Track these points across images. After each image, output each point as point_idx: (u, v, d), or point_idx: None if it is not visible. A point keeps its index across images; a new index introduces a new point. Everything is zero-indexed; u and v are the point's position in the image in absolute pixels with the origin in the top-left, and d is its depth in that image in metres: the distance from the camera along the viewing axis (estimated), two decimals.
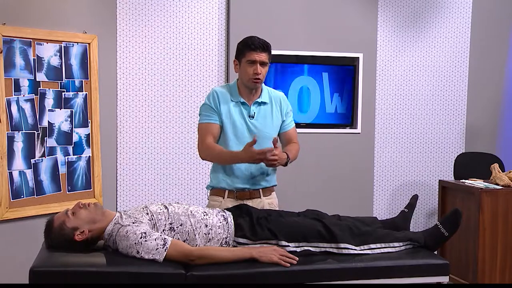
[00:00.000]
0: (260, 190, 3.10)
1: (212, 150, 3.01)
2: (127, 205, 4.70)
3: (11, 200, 3.90)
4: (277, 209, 3.12)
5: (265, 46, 3.02)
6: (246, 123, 3.06)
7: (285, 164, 3.00)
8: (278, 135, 3.17)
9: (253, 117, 3.06)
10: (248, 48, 3.01)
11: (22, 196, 3.98)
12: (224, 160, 3.02)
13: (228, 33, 4.83)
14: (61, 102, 4.22)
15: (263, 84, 3.14)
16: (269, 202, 3.13)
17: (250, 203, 3.01)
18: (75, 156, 4.31)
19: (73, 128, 4.29)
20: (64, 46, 4.21)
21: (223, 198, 3.07)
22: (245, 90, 3.08)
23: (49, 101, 4.14)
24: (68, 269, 2.40)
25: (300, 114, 5.02)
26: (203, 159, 3.12)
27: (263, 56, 3.00)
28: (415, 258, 2.71)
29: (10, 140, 3.90)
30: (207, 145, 3.02)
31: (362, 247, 2.71)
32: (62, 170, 4.23)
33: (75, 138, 4.30)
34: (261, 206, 3.05)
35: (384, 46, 5.24)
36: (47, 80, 4.12)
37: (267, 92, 3.14)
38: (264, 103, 3.10)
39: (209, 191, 3.18)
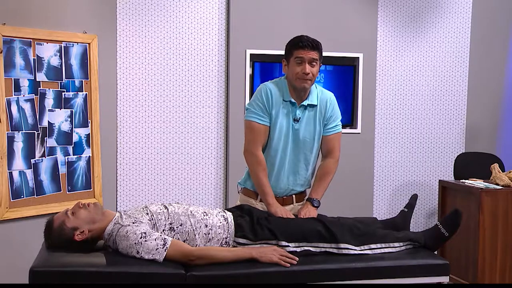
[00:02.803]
0: (294, 196, 3.04)
1: (255, 172, 2.90)
2: (127, 205, 4.70)
3: (11, 200, 3.90)
4: None
5: (314, 44, 2.88)
6: (290, 127, 2.93)
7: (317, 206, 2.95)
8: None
9: (297, 120, 2.93)
10: (296, 46, 2.87)
11: (22, 196, 3.98)
12: (257, 188, 2.93)
13: (228, 33, 4.83)
14: (61, 102, 4.22)
15: (315, 84, 2.97)
16: (301, 208, 3.03)
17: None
18: (75, 156, 4.31)
19: (73, 128, 4.29)
20: (64, 46, 4.21)
21: (255, 200, 3.01)
22: (293, 91, 2.92)
23: (49, 101, 4.14)
24: (68, 269, 2.40)
25: None
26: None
27: (312, 54, 2.86)
28: (415, 258, 2.71)
29: (10, 140, 3.90)
30: (257, 159, 2.89)
31: (362, 247, 2.71)
32: (62, 170, 4.23)
33: (75, 138, 4.30)
34: (293, 212, 2.97)
35: (384, 46, 5.24)
36: (47, 80, 4.12)
37: (316, 94, 2.97)
38: (311, 106, 2.94)
39: (241, 188, 3.09)
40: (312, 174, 3.09)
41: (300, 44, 2.87)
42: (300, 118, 2.93)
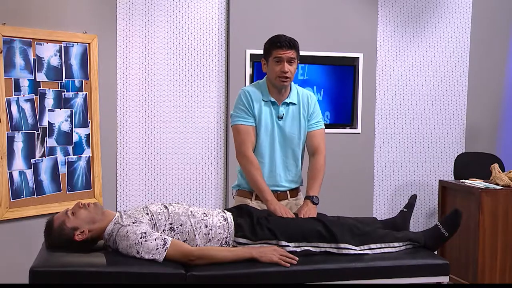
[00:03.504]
0: (288, 192, 3.08)
1: (249, 172, 2.94)
2: (127, 205, 4.70)
3: (11, 200, 3.90)
4: None
5: (291, 44, 2.96)
6: (275, 124, 3.01)
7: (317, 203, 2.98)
8: None
9: (281, 118, 3.01)
10: (275, 46, 2.96)
11: (22, 196, 3.98)
12: (253, 187, 2.97)
13: (228, 33, 4.83)
14: (61, 102, 4.22)
15: (292, 84, 3.06)
16: (296, 203, 3.10)
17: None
18: (75, 156, 4.31)
19: (73, 128, 4.29)
20: (64, 46, 4.21)
21: (251, 200, 3.05)
22: (274, 89, 3.01)
23: (49, 101, 4.14)
24: (68, 269, 2.40)
25: None
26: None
27: (289, 53, 2.94)
28: (415, 258, 2.71)
29: (10, 140, 3.90)
30: (249, 159, 2.95)
31: (362, 247, 2.71)
32: (62, 170, 4.23)
33: (75, 138, 4.30)
34: (288, 207, 3.01)
35: (384, 46, 5.24)
36: (47, 80, 4.12)
37: (296, 92, 3.08)
38: (293, 103, 3.04)
39: (235, 190, 3.15)
40: (301, 170, 3.14)
41: (278, 44, 2.95)
42: (283, 115, 3.02)
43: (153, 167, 4.79)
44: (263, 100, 3.01)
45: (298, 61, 3.03)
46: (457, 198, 4.51)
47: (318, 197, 3.02)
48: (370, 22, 5.16)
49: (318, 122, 3.12)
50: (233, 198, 3.18)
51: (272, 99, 3.01)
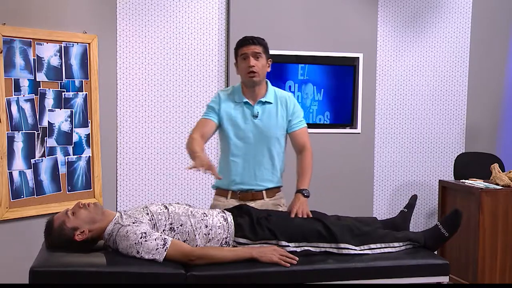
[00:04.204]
0: (264, 191, 3.09)
1: (187, 143, 3.00)
2: (127, 205, 4.70)
3: (11, 200, 3.90)
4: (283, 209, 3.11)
5: (255, 40, 3.04)
6: (250, 123, 3.05)
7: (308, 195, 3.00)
8: (288, 135, 3.15)
9: (257, 116, 3.06)
10: (239, 45, 3.06)
11: (22, 196, 3.98)
12: (188, 151, 2.99)
13: (228, 33, 4.83)
14: (61, 102, 4.22)
15: (269, 84, 3.12)
16: (273, 203, 3.11)
17: (253, 204, 3.00)
18: (75, 156, 4.31)
19: (73, 128, 4.29)
20: (64, 46, 4.21)
21: (226, 198, 3.08)
22: (249, 89, 3.07)
23: (49, 101, 4.14)
24: (68, 269, 2.40)
25: None
26: None
27: (253, 48, 3.01)
28: (415, 258, 2.71)
29: (10, 140, 3.90)
30: (191, 137, 3.02)
31: (362, 247, 2.71)
32: (62, 170, 4.23)
33: (75, 138, 4.30)
34: (265, 207, 3.03)
35: (384, 46, 5.24)
36: (47, 80, 4.12)
37: (273, 92, 3.13)
38: (269, 102, 3.09)
39: (214, 190, 3.19)
40: (280, 171, 3.15)
41: (243, 42, 3.05)
42: (259, 113, 3.06)
43: (153, 167, 4.79)
44: (235, 101, 3.07)
45: (270, 59, 3.08)
46: (457, 198, 4.51)
47: (309, 190, 3.02)
48: (370, 22, 5.16)
49: (300, 121, 3.16)
50: (214, 197, 3.20)
51: (246, 100, 3.06)
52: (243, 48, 3.02)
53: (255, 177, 3.06)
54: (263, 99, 3.08)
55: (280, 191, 3.19)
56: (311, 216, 2.86)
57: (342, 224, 2.76)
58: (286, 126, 3.12)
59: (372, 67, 5.18)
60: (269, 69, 3.10)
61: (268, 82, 3.14)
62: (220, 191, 3.13)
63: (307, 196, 2.98)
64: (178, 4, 4.78)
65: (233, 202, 3.04)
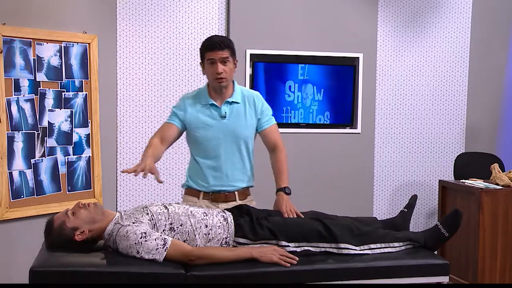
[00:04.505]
0: (236, 193, 3.07)
1: (146, 147, 3.05)
2: (127, 205, 4.70)
3: (11, 200, 3.90)
4: None
5: (222, 44, 2.97)
6: (218, 124, 3.02)
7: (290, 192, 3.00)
8: (259, 133, 3.14)
9: (225, 117, 3.03)
10: (207, 48, 2.98)
11: (22, 196, 3.98)
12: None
13: (228, 33, 4.83)
14: (61, 102, 4.22)
15: (235, 84, 3.10)
16: None
17: (225, 205, 2.98)
18: (75, 156, 4.31)
19: (73, 128, 4.29)
20: (64, 46, 4.21)
21: (198, 199, 3.05)
22: (215, 91, 3.05)
23: (49, 101, 4.14)
24: (68, 269, 2.40)
25: (300, 114, 5.02)
26: None
27: (221, 54, 2.95)
28: (415, 258, 2.71)
29: (10, 140, 3.90)
30: (149, 142, 3.06)
31: (362, 247, 2.71)
32: (62, 170, 4.23)
33: (75, 138, 4.30)
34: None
35: (384, 46, 5.24)
36: (47, 80, 4.12)
37: (240, 92, 3.10)
38: (236, 102, 3.06)
39: (184, 189, 3.16)
40: (251, 170, 3.13)
41: (210, 46, 2.97)
42: (226, 113, 3.04)
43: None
44: (201, 104, 3.05)
45: (236, 60, 3.05)
46: (457, 198, 4.51)
47: (289, 187, 3.01)
48: (370, 22, 5.16)
49: (269, 119, 3.14)
50: (182, 197, 3.19)
51: (212, 102, 3.04)
52: (210, 53, 2.95)
53: (227, 178, 3.04)
54: (230, 99, 3.05)
55: (250, 194, 3.17)
56: (301, 215, 2.86)
57: (342, 224, 2.76)
58: (255, 125, 3.10)
59: (372, 67, 5.18)
60: (236, 69, 3.07)
61: (235, 81, 3.11)
62: (192, 191, 3.09)
63: (289, 194, 2.98)
64: (178, 4, 4.78)
65: (206, 203, 3.03)
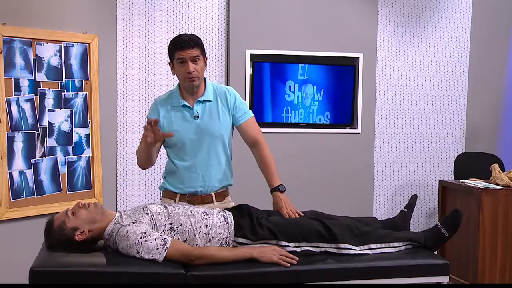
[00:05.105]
0: (213, 194, 3.00)
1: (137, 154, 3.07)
2: (127, 205, 4.70)
3: (11, 200, 3.91)
4: None
5: (192, 42, 2.88)
6: (191, 125, 2.96)
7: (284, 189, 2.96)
8: (236, 129, 3.06)
9: (197, 117, 2.96)
10: (176, 48, 2.89)
11: (22, 196, 3.98)
12: (140, 154, 3.12)
13: (228, 33, 4.83)
14: (61, 102, 4.22)
15: (207, 82, 3.02)
16: (222, 208, 2.96)
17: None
18: (75, 156, 4.31)
19: (73, 128, 4.29)
20: (64, 46, 4.21)
21: (175, 201, 2.99)
22: (186, 91, 2.98)
23: (49, 101, 4.14)
24: (68, 269, 2.40)
25: (300, 114, 5.02)
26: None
27: (191, 52, 2.87)
28: (415, 258, 2.71)
29: (10, 140, 3.90)
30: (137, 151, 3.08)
31: (362, 247, 2.71)
32: (62, 170, 4.23)
33: (75, 138, 4.30)
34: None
35: (384, 46, 5.24)
36: (47, 80, 4.12)
37: (212, 89, 3.01)
38: (208, 100, 2.98)
39: (161, 192, 3.12)
40: (230, 170, 3.07)
41: (179, 45, 2.88)
42: (199, 113, 2.97)
43: (152, 167, 4.76)
44: (173, 105, 2.99)
45: (206, 57, 2.97)
46: (457, 198, 4.51)
47: (282, 184, 2.96)
48: (370, 22, 5.16)
49: (245, 113, 3.03)
50: (160, 199, 3.14)
51: (184, 103, 2.97)
52: (180, 52, 2.86)
53: (203, 179, 2.97)
54: (201, 98, 2.97)
55: (228, 195, 3.10)
56: (302, 214, 2.85)
57: (342, 224, 2.76)
58: (230, 121, 3.02)
59: (372, 67, 5.18)
60: (206, 67, 2.99)
61: (206, 79, 3.02)
62: (169, 194, 3.04)
63: (284, 191, 2.94)
64: (178, 4, 4.78)
65: (182, 205, 2.93)
